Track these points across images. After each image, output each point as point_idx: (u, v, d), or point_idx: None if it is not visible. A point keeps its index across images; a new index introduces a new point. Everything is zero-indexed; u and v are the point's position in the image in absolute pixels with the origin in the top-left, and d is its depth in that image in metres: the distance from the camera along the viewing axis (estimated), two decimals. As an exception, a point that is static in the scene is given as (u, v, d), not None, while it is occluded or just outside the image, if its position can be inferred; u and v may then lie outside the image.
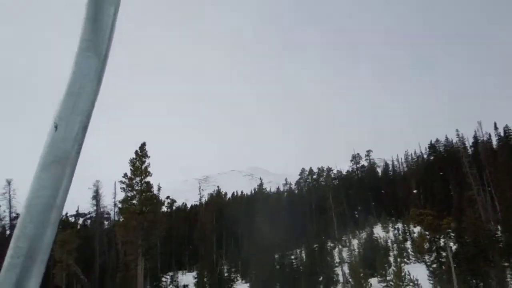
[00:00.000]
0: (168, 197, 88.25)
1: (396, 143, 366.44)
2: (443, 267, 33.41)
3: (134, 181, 38.10)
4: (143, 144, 39.78)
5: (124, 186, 38.01)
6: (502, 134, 71.50)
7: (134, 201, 37.36)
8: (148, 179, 38.86)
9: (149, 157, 39.48)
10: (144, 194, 37.91)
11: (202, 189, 76.10)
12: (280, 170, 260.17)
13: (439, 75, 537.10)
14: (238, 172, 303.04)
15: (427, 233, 37.30)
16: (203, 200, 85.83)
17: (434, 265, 35.37)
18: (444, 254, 34.26)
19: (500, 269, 28.91)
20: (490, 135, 74.07)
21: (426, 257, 37.30)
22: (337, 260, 57.36)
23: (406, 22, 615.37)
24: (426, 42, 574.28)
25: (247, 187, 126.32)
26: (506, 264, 32.73)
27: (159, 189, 62.34)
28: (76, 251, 52.25)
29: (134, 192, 37.71)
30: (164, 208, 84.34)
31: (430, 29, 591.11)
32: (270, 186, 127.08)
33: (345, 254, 61.45)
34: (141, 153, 39.37)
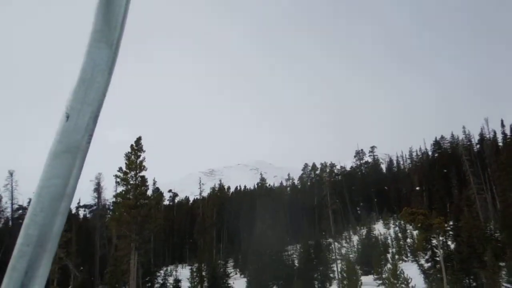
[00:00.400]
0: (170, 191, 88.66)
1: (403, 139, 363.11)
2: (438, 266, 33.01)
3: (129, 175, 38.07)
4: (139, 138, 39.65)
5: (119, 180, 38.01)
6: (508, 131, 70.40)
7: (129, 196, 37.34)
8: (143, 173, 38.83)
9: (145, 151, 39.36)
10: (138, 188, 37.88)
11: (203, 183, 76.01)
12: (287, 164, 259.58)
13: (450, 70, 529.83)
14: (244, 166, 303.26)
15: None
16: (205, 194, 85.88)
17: (429, 264, 34.98)
18: (439, 253, 33.83)
19: (491, 270, 28.44)
20: (495, 133, 72.94)
21: (422, 255, 36.89)
22: (333, 256, 57.06)
23: (414, 16, 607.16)
24: (436, 36, 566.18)
25: (252, 181, 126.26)
26: (501, 264, 32.24)
27: (154, 183, 62.33)
28: (76, 243, 52.74)
29: (129, 186, 37.69)
30: (166, 202, 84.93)
31: (440, 23, 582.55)
32: (275, 181, 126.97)
33: (344, 251, 61.21)
34: (137, 147, 39.24)
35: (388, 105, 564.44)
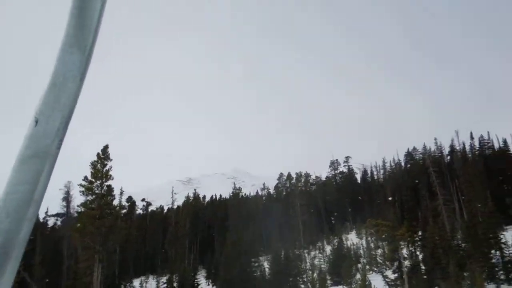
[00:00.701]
0: (143, 200, 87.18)
1: (379, 149, 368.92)
2: (404, 277, 33.25)
3: (94, 185, 37.12)
4: (106, 147, 38.80)
5: (83, 189, 36.97)
6: (477, 143, 72.40)
7: (93, 205, 36.36)
8: (109, 182, 37.91)
9: (111, 160, 38.53)
10: (104, 198, 36.96)
11: (175, 193, 74.93)
12: (265, 173, 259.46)
13: (426, 82, 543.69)
14: (222, 174, 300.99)
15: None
16: (178, 203, 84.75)
17: (396, 275, 35.22)
18: (407, 263, 34.12)
19: (455, 280, 28.79)
20: (464, 144, 74.80)
21: (389, 266, 37.11)
22: (304, 267, 56.91)
23: (389, 29, 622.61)
24: (414, 49, 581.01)
25: (230, 190, 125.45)
26: (465, 274, 32.67)
27: (121, 193, 61.04)
28: (42, 253, 50.93)
29: (94, 196, 36.73)
30: (139, 211, 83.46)
31: (418, 35, 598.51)
32: (252, 190, 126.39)
33: (317, 261, 61.28)
34: (103, 156, 38.37)
35: (364, 115, 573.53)
